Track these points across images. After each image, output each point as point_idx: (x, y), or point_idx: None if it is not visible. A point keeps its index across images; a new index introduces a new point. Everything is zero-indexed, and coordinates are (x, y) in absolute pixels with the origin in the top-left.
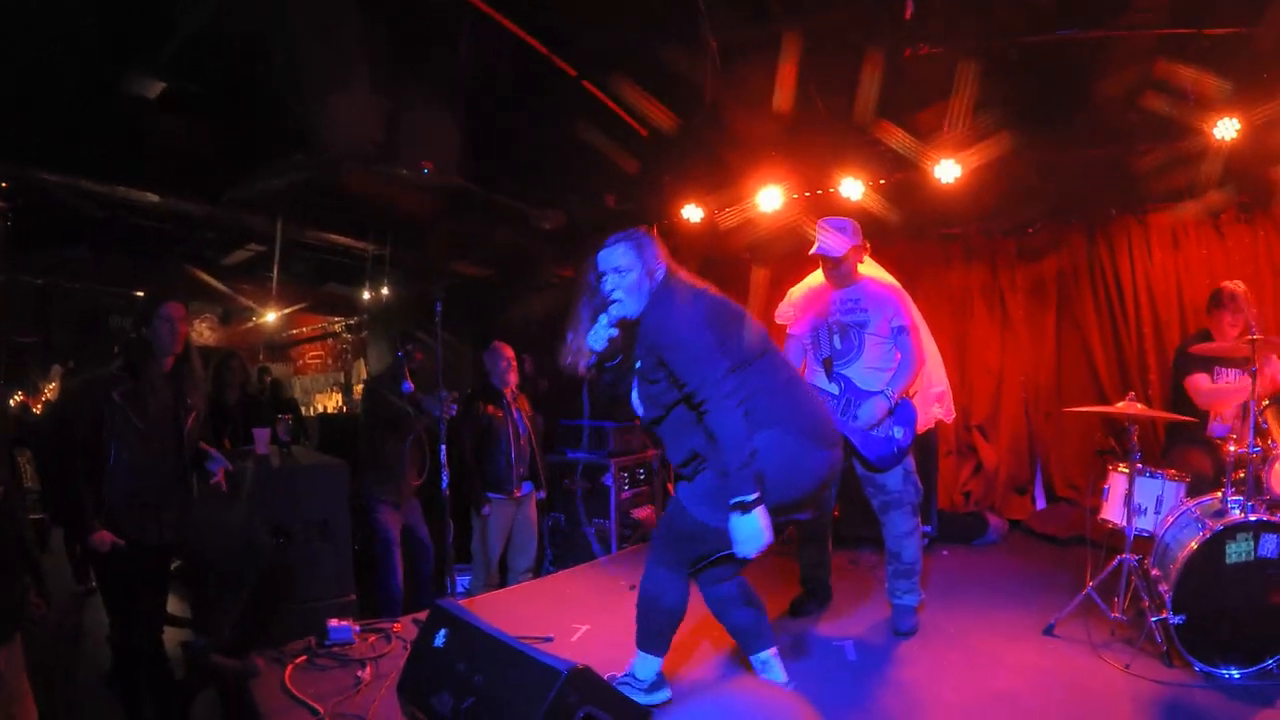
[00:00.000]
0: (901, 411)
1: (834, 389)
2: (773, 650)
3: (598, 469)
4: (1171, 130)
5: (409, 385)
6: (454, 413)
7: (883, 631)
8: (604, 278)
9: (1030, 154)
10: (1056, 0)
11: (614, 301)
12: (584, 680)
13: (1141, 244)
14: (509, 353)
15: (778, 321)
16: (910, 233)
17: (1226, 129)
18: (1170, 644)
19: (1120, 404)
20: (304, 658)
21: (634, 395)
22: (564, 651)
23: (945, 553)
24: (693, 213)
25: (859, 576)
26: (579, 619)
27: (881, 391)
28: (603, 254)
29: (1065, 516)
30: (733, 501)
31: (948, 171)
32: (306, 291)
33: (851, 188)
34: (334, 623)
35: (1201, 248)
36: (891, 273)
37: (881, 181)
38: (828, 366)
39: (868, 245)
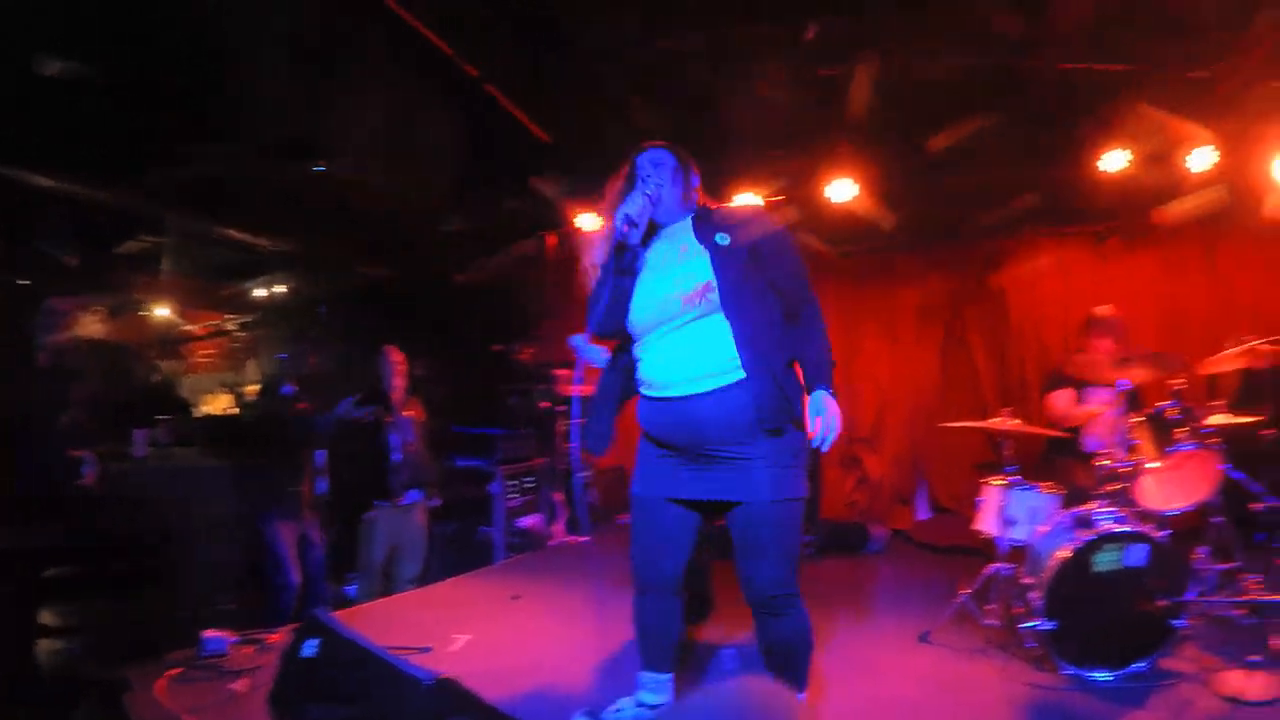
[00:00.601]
0: None
1: None
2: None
3: (484, 476)
4: (1065, 159)
5: (289, 388)
6: (363, 416)
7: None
8: (646, 176)
9: (926, 176)
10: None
11: (657, 184)
12: (449, 691)
13: (1030, 268)
14: (397, 357)
15: None
16: (803, 249)
17: (1117, 161)
18: (1042, 649)
19: (996, 420)
20: (179, 669)
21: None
22: (442, 662)
23: (829, 562)
24: (589, 222)
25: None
26: (461, 629)
27: None
28: (646, 155)
29: (947, 527)
30: (824, 391)
31: (842, 191)
32: (201, 286)
33: (748, 202)
34: (209, 634)
35: (1087, 273)
36: None
37: (779, 198)
38: None
39: None
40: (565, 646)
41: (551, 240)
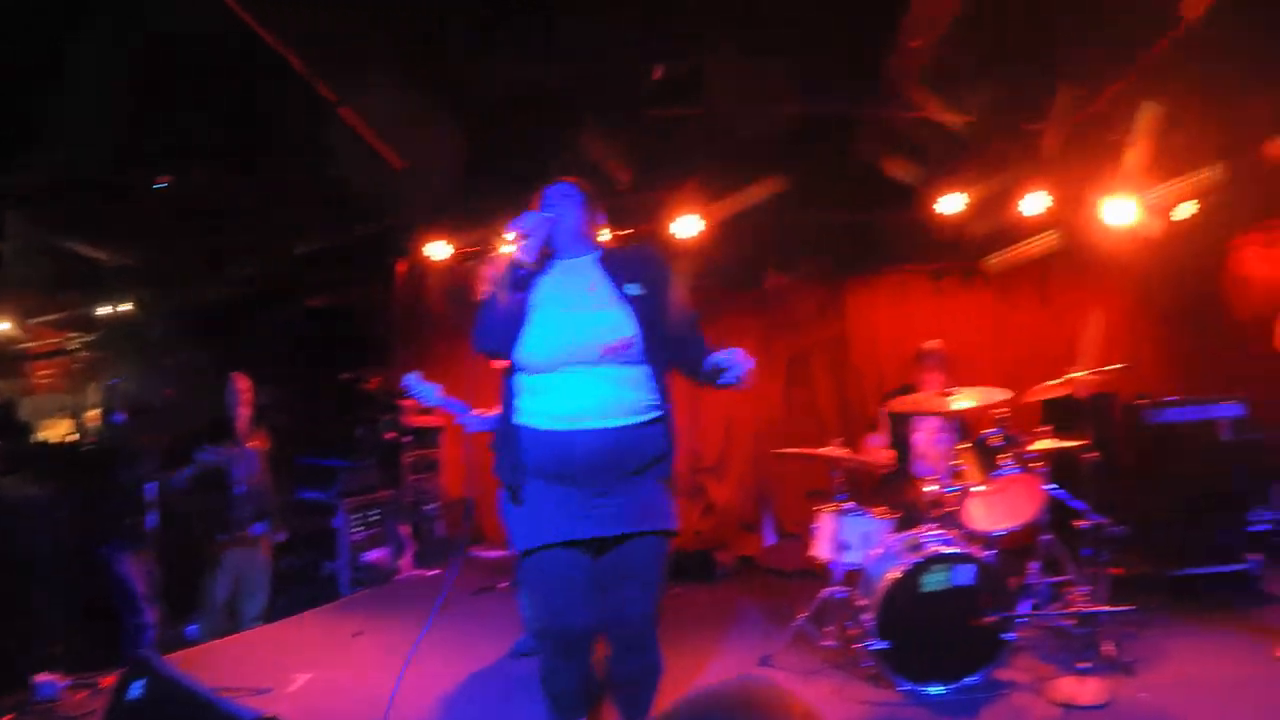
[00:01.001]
0: None
1: None
2: None
3: (327, 509)
4: (907, 199)
5: (120, 416)
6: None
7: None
8: (551, 205)
9: (770, 214)
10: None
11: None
12: None
13: (871, 301)
14: (243, 384)
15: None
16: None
17: (953, 204)
18: (877, 667)
19: (827, 448)
20: (10, 715)
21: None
22: (280, 703)
23: (676, 590)
24: (439, 250)
25: None
26: (301, 668)
27: None
28: (555, 187)
29: (793, 552)
30: None
31: (687, 227)
32: (40, 301)
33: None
34: (41, 678)
35: (926, 309)
36: None
37: (628, 232)
38: None
39: None
40: (406, 684)
41: (402, 268)
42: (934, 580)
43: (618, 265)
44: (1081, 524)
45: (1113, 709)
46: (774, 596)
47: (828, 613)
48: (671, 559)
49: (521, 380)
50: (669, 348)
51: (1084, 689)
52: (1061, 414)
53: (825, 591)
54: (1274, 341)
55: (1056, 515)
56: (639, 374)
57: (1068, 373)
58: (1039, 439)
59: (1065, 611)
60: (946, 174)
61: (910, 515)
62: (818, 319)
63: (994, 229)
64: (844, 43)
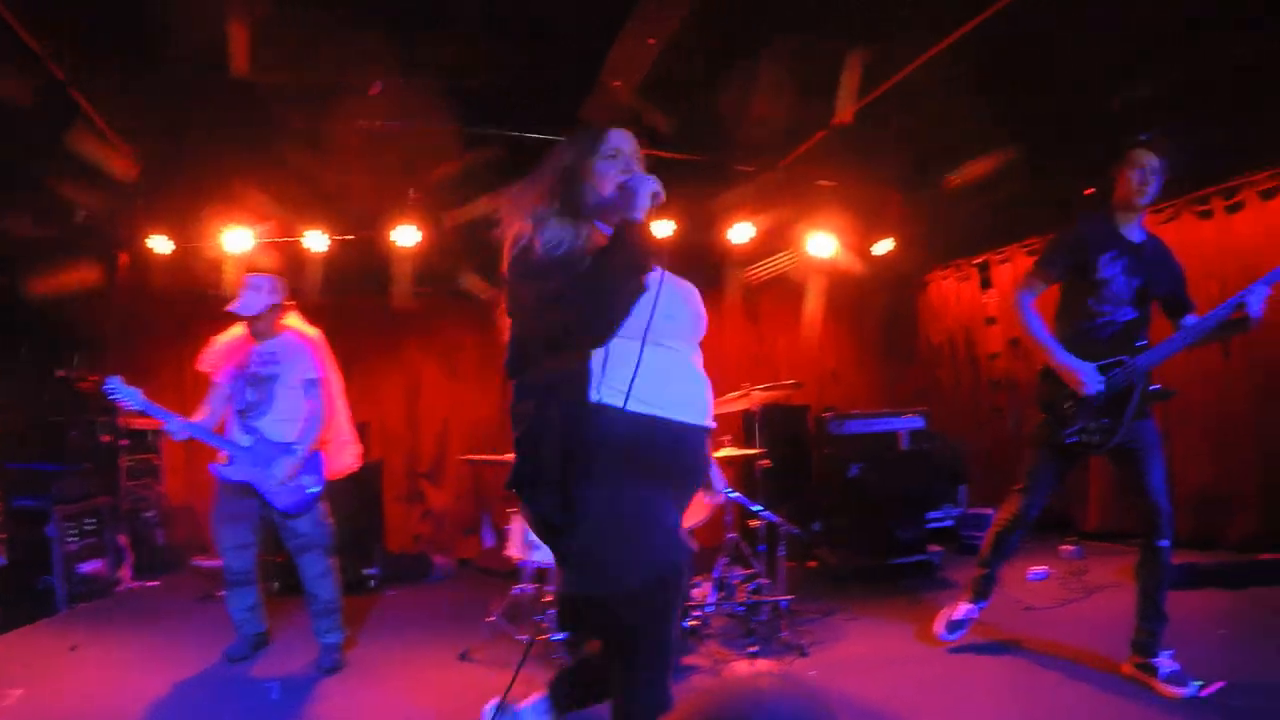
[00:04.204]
0: (311, 463)
1: (246, 441)
2: None
3: (40, 517)
4: None
5: None
6: None
7: (310, 670)
8: (615, 159)
9: (491, 225)
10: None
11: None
12: None
13: None
14: None
15: (200, 369)
16: (372, 288)
17: (663, 228)
18: (568, 656)
19: (510, 455)
20: None
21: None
22: None
23: (391, 593)
24: (161, 244)
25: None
26: (14, 684)
27: (292, 447)
28: (617, 132)
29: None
30: None
31: (406, 236)
32: None
33: (316, 240)
34: None
35: None
36: (343, 328)
37: (350, 237)
38: (242, 418)
39: (290, 302)
40: (124, 698)
41: (124, 259)
42: None
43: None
44: (756, 524)
45: None
46: (485, 596)
47: (521, 609)
48: (390, 561)
49: (626, 354)
50: None
51: (754, 669)
52: (746, 424)
53: (516, 589)
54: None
55: (739, 516)
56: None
57: (744, 386)
58: (719, 448)
59: (750, 601)
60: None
61: None
62: None
63: (705, 253)
64: (548, 76)
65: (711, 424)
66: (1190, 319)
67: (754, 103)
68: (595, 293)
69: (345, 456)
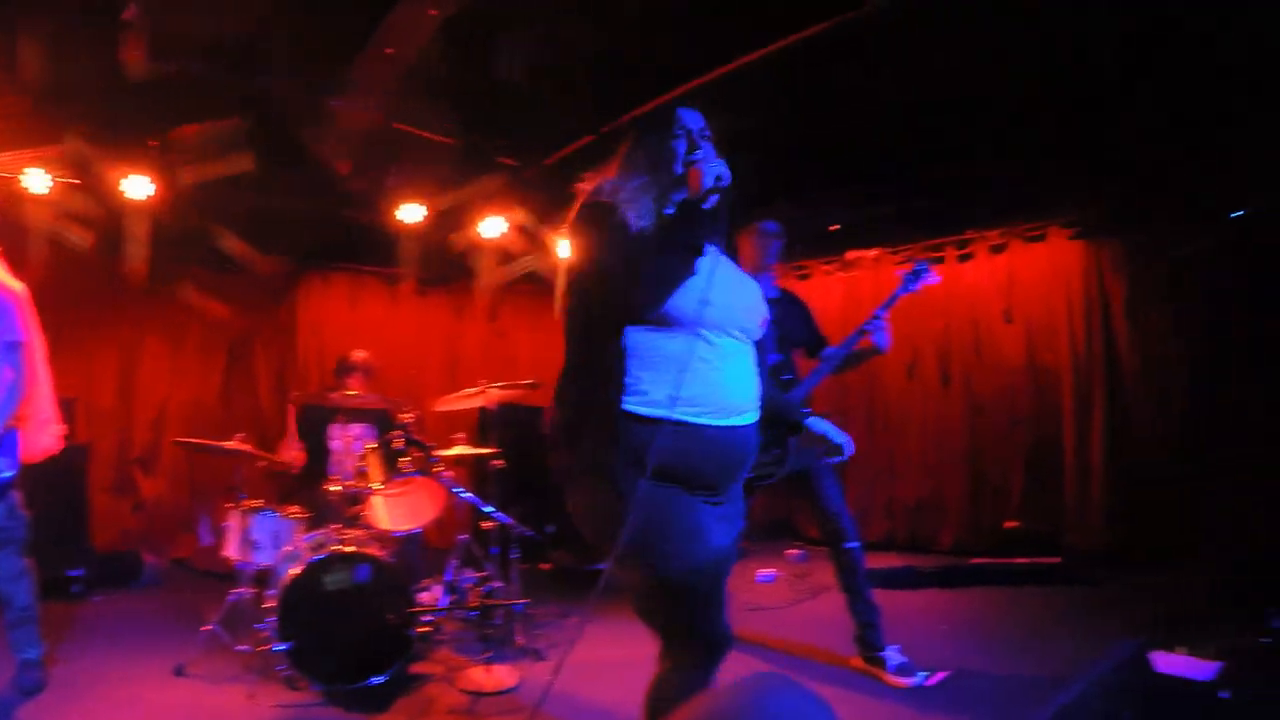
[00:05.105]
0: (4, 444)
1: None
2: None
3: None
4: (368, 203)
5: None
6: None
7: (7, 691)
8: (701, 140)
9: (226, 193)
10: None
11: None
12: None
13: (322, 298)
14: None
15: None
16: (93, 244)
17: (414, 213)
18: (291, 669)
19: (230, 442)
20: None
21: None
22: None
23: (98, 598)
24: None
25: None
26: None
27: None
28: (688, 113)
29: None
30: None
31: (138, 188)
32: None
33: (36, 180)
34: None
35: (380, 313)
36: (52, 286)
37: (75, 182)
38: None
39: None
40: None
41: None
42: (335, 579)
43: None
44: (489, 526)
45: (521, 692)
46: (200, 601)
47: (241, 616)
48: (96, 561)
49: (667, 350)
50: None
51: (491, 676)
52: (480, 423)
53: (234, 593)
54: None
55: (473, 517)
56: (753, 361)
57: (480, 384)
58: (453, 445)
59: (482, 605)
60: (411, 184)
61: (322, 515)
62: (264, 312)
63: (454, 243)
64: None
65: (750, 421)
66: (827, 350)
67: (523, 96)
68: (639, 269)
69: (45, 437)
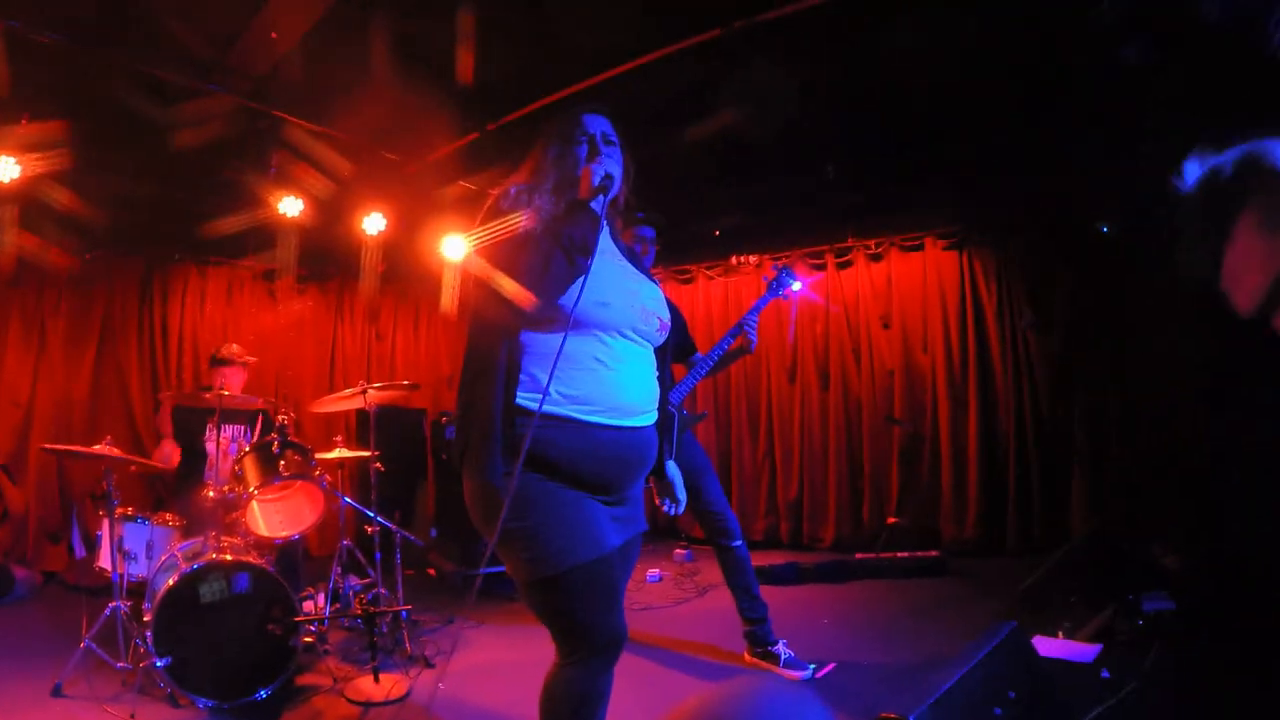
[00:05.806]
0: None
1: None
2: None
3: None
4: (245, 195)
5: None
6: None
7: None
8: (605, 143)
9: (93, 179)
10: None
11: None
12: None
13: (197, 293)
14: None
15: None
16: None
17: (292, 207)
18: (172, 686)
19: (97, 446)
20: None
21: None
22: None
23: None
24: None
25: None
26: None
27: None
28: (593, 119)
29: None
30: None
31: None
32: None
33: None
34: None
35: (255, 306)
36: None
37: None
38: None
39: None
40: None
41: None
42: (212, 590)
43: (618, 241)
44: (372, 530)
45: (411, 701)
46: (75, 616)
47: (118, 631)
48: None
49: (549, 349)
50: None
51: (380, 686)
52: (360, 425)
53: (110, 607)
54: None
55: (356, 522)
56: (652, 363)
57: (360, 384)
58: (332, 448)
59: (367, 612)
60: (288, 178)
61: (198, 522)
62: (135, 306)
63: (335, 239)
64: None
65: (647, 422)
66: (698, 356)
67: (405, 90)
68: (526, 268)
69: None
